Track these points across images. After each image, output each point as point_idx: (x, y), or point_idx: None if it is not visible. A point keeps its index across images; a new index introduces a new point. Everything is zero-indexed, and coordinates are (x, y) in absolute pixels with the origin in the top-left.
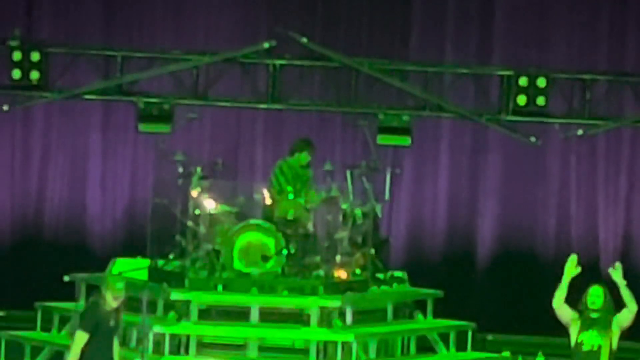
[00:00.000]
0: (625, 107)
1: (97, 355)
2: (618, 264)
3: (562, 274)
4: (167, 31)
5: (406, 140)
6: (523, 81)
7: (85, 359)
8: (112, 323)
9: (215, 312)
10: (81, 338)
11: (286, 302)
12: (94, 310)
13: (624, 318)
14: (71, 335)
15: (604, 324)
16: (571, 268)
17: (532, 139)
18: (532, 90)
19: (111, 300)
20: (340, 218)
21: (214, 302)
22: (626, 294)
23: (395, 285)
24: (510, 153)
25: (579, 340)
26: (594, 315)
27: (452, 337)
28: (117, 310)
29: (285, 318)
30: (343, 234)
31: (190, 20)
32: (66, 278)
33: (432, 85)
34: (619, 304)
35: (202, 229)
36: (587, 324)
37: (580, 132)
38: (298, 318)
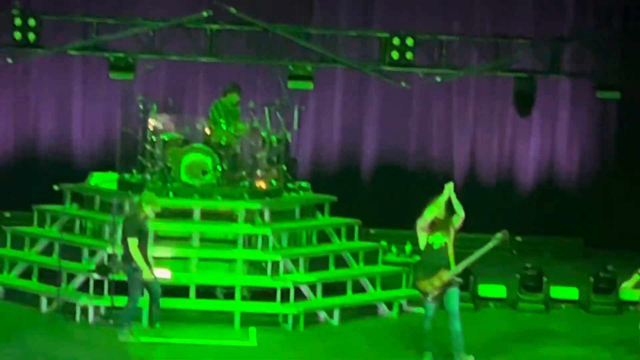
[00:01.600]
0: (472, 60)
1: (142, 254)
2: (450, 183)
3: (427, 184)
4: (131, 3)
5: (309, 85)
6: (396, 41)
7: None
8: (147, 228)
9: (168, 213)
10: (134, 242)
11: (220, 205)
12: (135, 220)
13: (456, 222)
14: (120, 240)
15: (445, 227)
16: (449, 191)
17: (403, 84)
18: (402, 48)
19: (150, 211)
20: (260, 143)
21: (166, 205)
22: (456, 203)
23: (301, 192)
24: (387, 94)
25: (430, 242)
26: (438, 221)
27: (343, 231)
28: (146, 219)
29: (219, 217)
30: (262, 155)
31: None
32: (55, 187)
33: (329, 43)
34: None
35: (157, 151)
36: (433, 229)
37: (438, 79)
38: (229, 217)
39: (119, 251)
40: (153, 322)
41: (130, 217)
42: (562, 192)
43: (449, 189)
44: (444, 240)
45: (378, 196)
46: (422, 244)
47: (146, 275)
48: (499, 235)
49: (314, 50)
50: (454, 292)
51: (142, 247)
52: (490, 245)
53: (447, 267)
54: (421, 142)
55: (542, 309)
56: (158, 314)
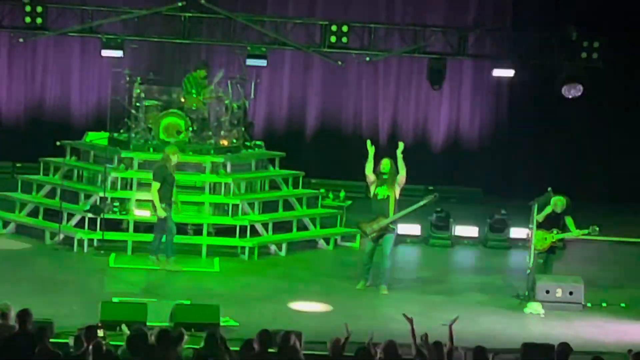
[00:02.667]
0: (394, 44)
1: (165, 196)
2: (401, 143)
3: (358, 144)
4: None
5: (264, 62)
6: (334, 28)
7: (160, 198)
8: (173, 175)
9: (148, 165)
10: (155, 186)
11: (191, 159)
12: (162, 169)
13: (400, 179)
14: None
15: (390, 182)
16: (370, 148)
17: (339, 62)
18: (339, 33)
19: (175, 160)
20: (224, 109)
21: (147, 158)
22: (400, 164)
23: (256, 149)
24: (327, 71)
25: (375, 192)
26: (385, 177)
27: (290, 180)
28: (174, 167)
29: (191, 168)
30: (225, 118)
31: None
32: (57, 143)
33: (280, 29)
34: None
35: (140, 115)
36: (380, 182)
37: (367, 59)
38: (198, 168)
39: (109, 195)
40: (168, 254)
41: (159, 166)
42: (465, 151)
43: (398, 150)
44: (387, 193)
45: (319, 153)
46: (371, 193)
47: (159, 213)
48: (430, 196)
49: (267, 34)
50: (389, 237)
51: (167, 191)
52: (421, 203)
53: (386, 215)
54: (353, 109)
55: (449, 244)
56: (172, 247)
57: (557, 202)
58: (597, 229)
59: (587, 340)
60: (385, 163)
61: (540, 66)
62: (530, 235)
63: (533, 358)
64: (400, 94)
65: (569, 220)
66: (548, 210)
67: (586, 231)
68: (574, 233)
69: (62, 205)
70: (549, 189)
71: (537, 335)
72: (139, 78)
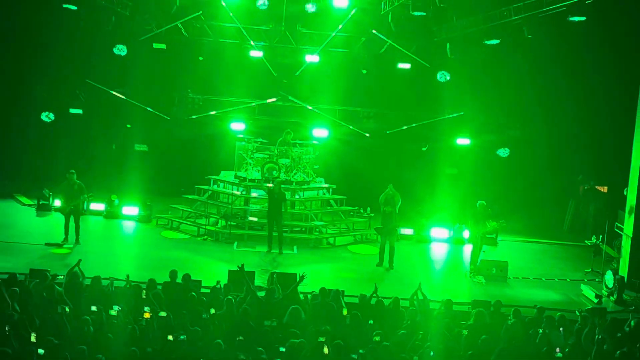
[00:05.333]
0: None
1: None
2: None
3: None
4: None
5: (326, 133)
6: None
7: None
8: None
9: (257, 191)
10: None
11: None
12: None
13: (397, 202)
14: None
15: (392, 204)
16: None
17: (367, 134)
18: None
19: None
20: (299, 159)
21: (259, 187)
22: (398, 196)
23: (318, 182)
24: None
25: (384, 210)
26: (389, 198)
27: (338, 201)
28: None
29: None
30: (300, 164)
31: None
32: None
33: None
34: None
35: (252, 162)
36: (386, 204)
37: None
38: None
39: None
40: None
41: (269, 190)
42: None
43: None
44: (390, 210)
45: (354, 187)
46: (381, 210)
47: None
48: None
49: (327, 117)
50: (394, 235)
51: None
52: None
53: (390, 223)
54: None
55: (429, 241)
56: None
57: (480, 207)
58: (504, 222)
59: (510, 298)
60: (390, 188)
61: None
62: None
63: (478, 308)
64: None
65: (489, 222)
66: (478, 215)
67: (498, 223)
68: (492, 225)
69: (207, 213)
70: (479, 202)
71: (480, 295)
72: (251, 139)
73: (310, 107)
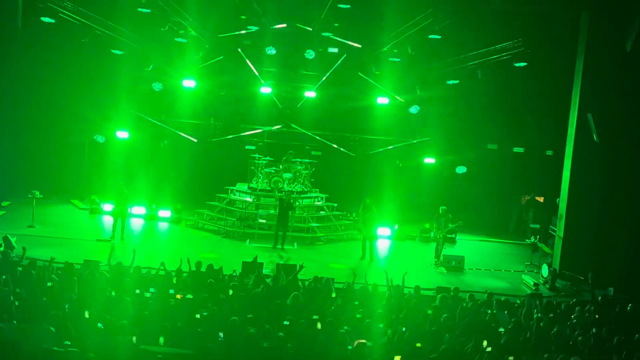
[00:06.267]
0: None
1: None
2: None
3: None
4: None
5: (319, 153)
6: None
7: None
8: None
9: (265, 199)
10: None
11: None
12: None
13: (370, 209)
14: None
15: (369, 209)
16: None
17: (352, 154)
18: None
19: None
20: (298, 173)
21: (267, 196)
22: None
23: (314, 192)
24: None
25: (363, 214)
26: (367, 206)
27: (330, 207)
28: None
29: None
30: (300, 177)
31: None
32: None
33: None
34: None
35: (262, 175)
36: (364, 210)
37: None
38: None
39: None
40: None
41: (280, 198)
42: None
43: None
44: (369, 215)
45: (345, 194)
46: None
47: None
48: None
49: (324, 142)
50: (374, 233)
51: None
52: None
53: (370, 226)
54: None
55: (403, 239)
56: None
57: (442, 211)
58: (461, 223)
59: (467, 285)
60: (368, 200)
61: None
62: (435, 233)
63: (442, 293)
64: None
65: (450, 223)
66: (440, 218)
67: (456, 224)
68: (452, 226)
69: (240, 216)
70: (441, 207)
71: (442, 282)
72: (261, 157)
73: (308, 133)
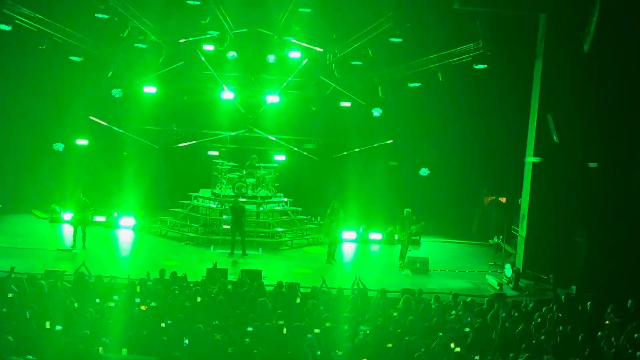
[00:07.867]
0: None
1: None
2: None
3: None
4: None
5: (284, 157)
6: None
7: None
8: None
9: (228, 204)
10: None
11: (250, 202)
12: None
13: (338, 213)
14: None
15: (336, 213)
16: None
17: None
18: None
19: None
20: (262, 179)
21: (230, 201)
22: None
23: (279, 196)
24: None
25: (330, 219)
26: (334, 209)
27: (295, 211)
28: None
29: (249, 205)
30: (263, 182)
31: None
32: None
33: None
34: None
35: (225, 181)
36: (332, 214)
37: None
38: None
39: (211, 217)
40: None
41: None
42: None
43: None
44: (334, 219)
45: (307, 198)
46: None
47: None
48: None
49: (288, 146)
50: (339, 237)
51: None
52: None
53: (335, 230)
54: None
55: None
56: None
57: (406, 213)
58: (424, 223)
59: (431, 287)
60: (335, 204)
61: None
62: (400, 236)
63: (406, 294)
64: None
65: (413, 225)
66: (405, 220)
67: (419, 225)
68: (415, 227)
69: (204, 222)
70: (405, 209)
71: (407, 284)
72: (224, 163)
73: (271, 137)
